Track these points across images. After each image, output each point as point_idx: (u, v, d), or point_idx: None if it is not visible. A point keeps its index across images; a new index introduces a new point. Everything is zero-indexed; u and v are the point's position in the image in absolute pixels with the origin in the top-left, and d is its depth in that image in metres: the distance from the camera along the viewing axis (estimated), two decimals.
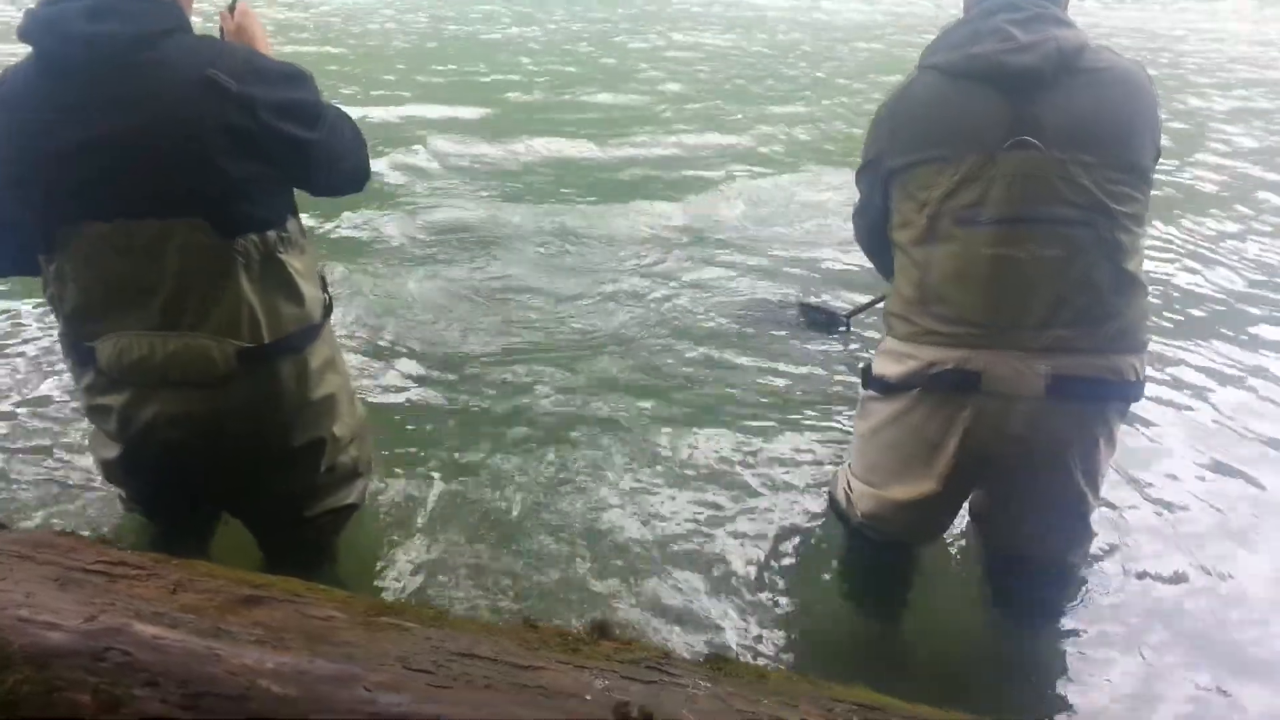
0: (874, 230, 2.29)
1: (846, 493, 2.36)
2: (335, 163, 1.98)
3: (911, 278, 2.11)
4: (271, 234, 1.88)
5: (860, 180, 2.29)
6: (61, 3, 1.73)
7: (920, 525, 2.31)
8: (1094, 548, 2.40)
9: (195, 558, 2.14)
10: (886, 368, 2.17)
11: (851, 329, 3.94)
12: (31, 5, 1.78)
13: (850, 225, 2.48)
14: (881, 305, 3.58)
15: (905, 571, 2.44)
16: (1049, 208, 1.96)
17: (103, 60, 1.72)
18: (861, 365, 2.33)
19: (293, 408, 1.97)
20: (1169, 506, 2.91)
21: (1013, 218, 1.97)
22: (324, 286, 2.09)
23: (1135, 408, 2.32)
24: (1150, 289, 2.75)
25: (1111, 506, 2.82)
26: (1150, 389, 3.51)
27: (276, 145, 1.83)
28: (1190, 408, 3.53)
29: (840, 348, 3.84)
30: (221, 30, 2.01)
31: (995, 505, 2.25)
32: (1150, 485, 3.00)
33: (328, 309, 2.09)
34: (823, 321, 4.03)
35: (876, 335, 3.81)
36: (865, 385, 2.27)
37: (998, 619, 2.39)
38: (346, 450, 2.15)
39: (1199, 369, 3.83)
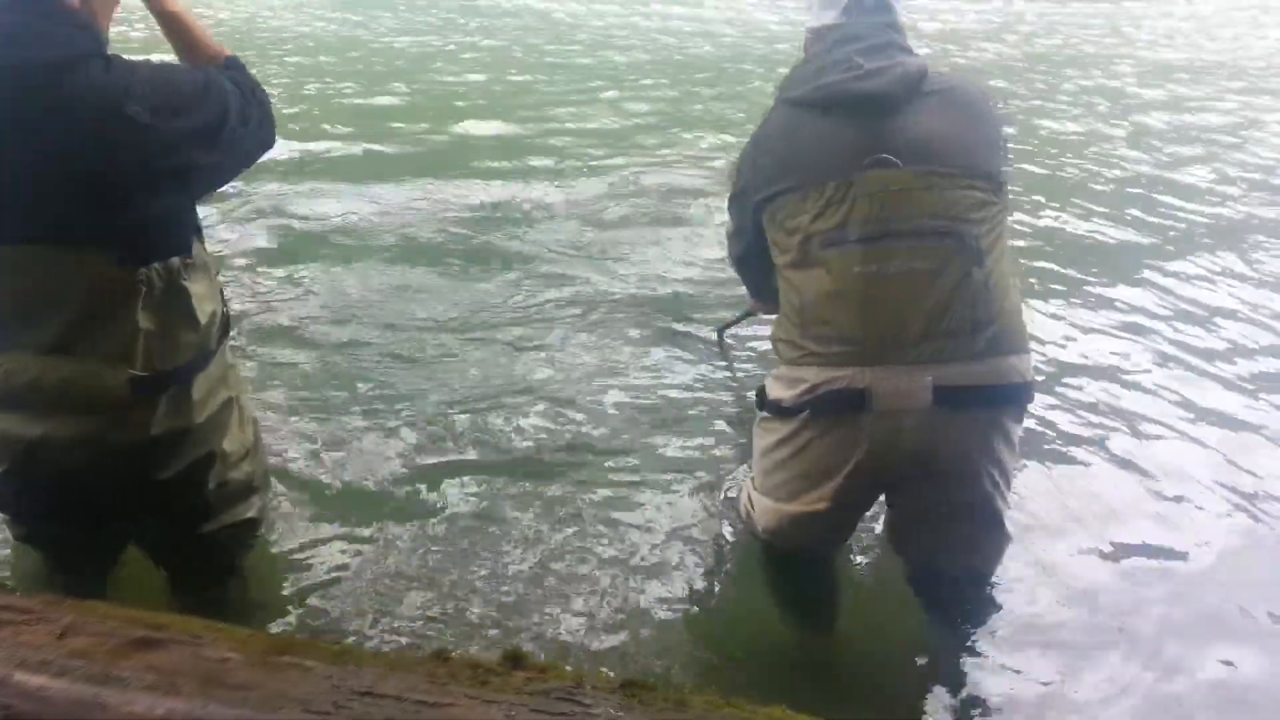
0: (747, 251, 2.41)
1: (749, 509, 2.38)
2: (246, 159, 2.01)
3: (793, 302, 2.17)
4: (175, 261, 1.88)
5: (731, 209, 2.43)
6: None
7: (821, 537, 2.34)
8: (1011, 548, 2.40)
9: (94, 585, 2.09)
10: (780, 391, 2.20)
11: (725, 342, 3.87)
12: None
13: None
14: (750, 318, 3.59)
15: (821, 581, 2.45)
16: (913, 221, 2.04)
17: (13, 89, 1.70)
18: (756, 388, 2.37)
19: (180, 430, 1.95)
20: (1078, 496, 2.94)
21: (878, 234, 2.04)
22: (222, 300, 2.08)
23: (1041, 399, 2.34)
24: None
25: (1047, 509, 2.85)
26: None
27: (191, 173, 1.86)
28: (1100, 392, 3.57)
29: (721, 361, 3.78)
30: None
31: (903, 520, 2.27)
32: (1055, 477, 3.03)
33: (225, 325, 2.08)
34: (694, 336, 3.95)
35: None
36: (760, 407, 2.31)
37: (919, 627, 2.40)
38: (238, 466, 2.12)
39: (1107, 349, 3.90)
